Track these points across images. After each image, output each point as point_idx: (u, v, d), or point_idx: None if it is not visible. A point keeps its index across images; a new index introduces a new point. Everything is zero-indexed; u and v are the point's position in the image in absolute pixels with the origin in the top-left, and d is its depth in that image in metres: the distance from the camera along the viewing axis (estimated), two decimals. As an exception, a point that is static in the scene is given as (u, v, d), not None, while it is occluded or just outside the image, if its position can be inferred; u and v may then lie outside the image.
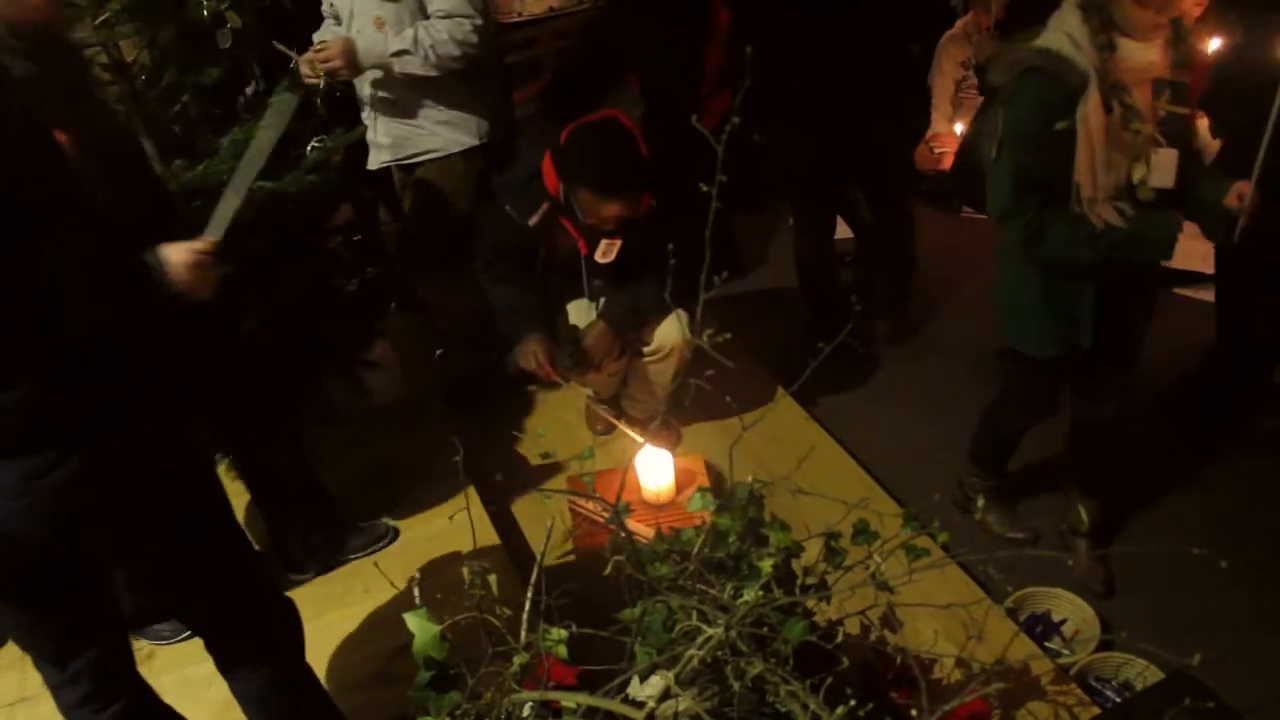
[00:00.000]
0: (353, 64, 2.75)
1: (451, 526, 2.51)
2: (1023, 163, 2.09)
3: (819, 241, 3.52)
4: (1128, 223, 2.08)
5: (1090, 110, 2.00)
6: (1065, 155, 2.05)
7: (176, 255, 1.68)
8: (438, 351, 3.61)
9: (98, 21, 2.70)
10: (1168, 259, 2.14)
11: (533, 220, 2.65)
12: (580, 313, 2.82)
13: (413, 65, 2.74)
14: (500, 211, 2.71)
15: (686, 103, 3.42)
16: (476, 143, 2.94)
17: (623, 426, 2.82)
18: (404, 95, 2.88)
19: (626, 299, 2.69)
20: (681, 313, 2.64)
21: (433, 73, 2.75)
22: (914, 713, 1.10)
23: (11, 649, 2.35)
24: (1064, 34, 2.02)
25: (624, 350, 2.80)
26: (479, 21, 2.73)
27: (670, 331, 2.69)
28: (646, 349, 2.77)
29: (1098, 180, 2.06)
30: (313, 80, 2.70)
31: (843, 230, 4.29)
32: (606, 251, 2.66)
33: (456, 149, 2.93)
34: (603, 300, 2.76)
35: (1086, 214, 2.09)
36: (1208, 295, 3.20)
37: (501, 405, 3.27)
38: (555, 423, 3.21)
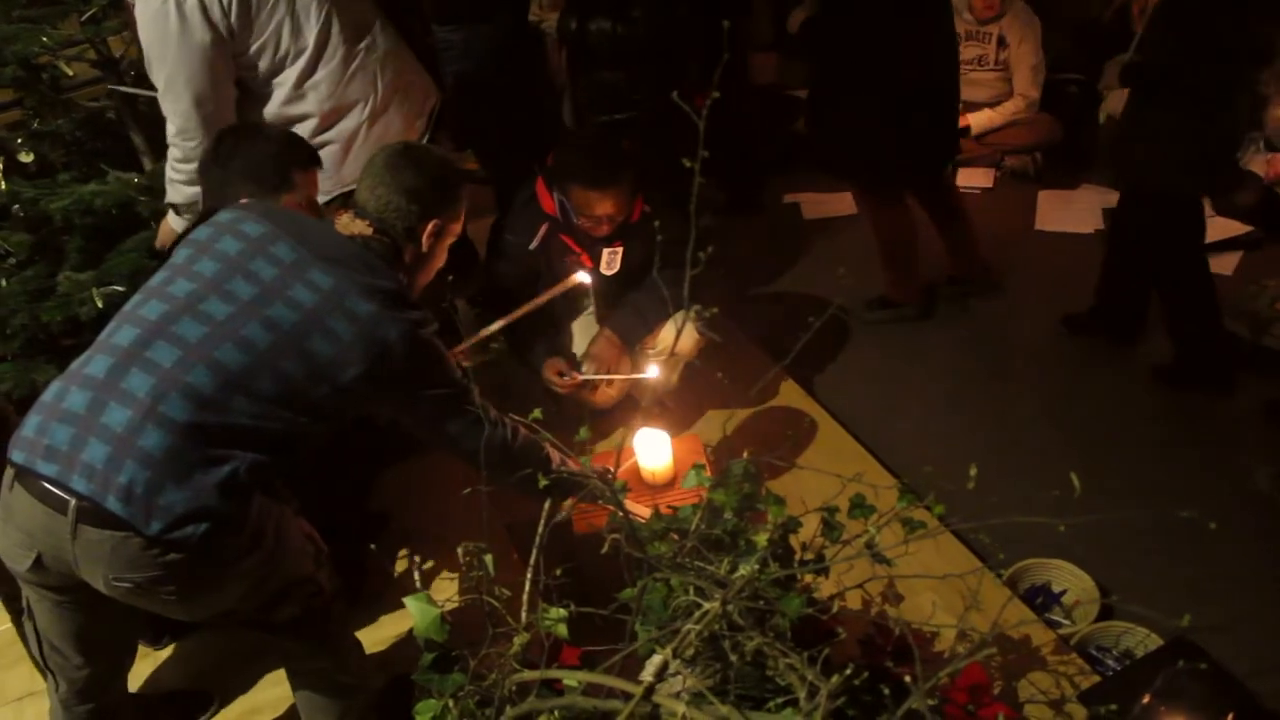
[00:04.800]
0: None
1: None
2: None
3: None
4: None
5: None
6: None
7: None
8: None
9: (84, 17, 2.69)
10: None
11: (533, 244, 2.65)
12: (586, 329, 2.84)
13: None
14: (502, 240, 2.72)
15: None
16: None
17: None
18: None
19: (631, 308, 2.70)
20: (681, 315, 2.63)
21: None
22: (906, 679, 1.11)
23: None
24: None
25: (633, 365, 2.80)
26: (191, 143, 2.43)
27: (674, 333, 2.69)
28: (652, 351, 2.79)
29: None
30: None
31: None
32: (610, 262, 2.67)
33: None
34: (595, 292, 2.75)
35: None
36: (1218, 267, 3.26)
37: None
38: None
